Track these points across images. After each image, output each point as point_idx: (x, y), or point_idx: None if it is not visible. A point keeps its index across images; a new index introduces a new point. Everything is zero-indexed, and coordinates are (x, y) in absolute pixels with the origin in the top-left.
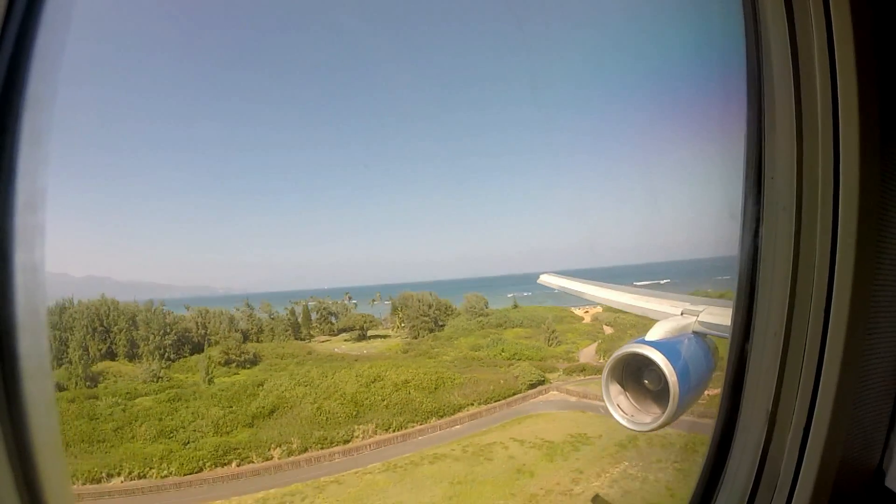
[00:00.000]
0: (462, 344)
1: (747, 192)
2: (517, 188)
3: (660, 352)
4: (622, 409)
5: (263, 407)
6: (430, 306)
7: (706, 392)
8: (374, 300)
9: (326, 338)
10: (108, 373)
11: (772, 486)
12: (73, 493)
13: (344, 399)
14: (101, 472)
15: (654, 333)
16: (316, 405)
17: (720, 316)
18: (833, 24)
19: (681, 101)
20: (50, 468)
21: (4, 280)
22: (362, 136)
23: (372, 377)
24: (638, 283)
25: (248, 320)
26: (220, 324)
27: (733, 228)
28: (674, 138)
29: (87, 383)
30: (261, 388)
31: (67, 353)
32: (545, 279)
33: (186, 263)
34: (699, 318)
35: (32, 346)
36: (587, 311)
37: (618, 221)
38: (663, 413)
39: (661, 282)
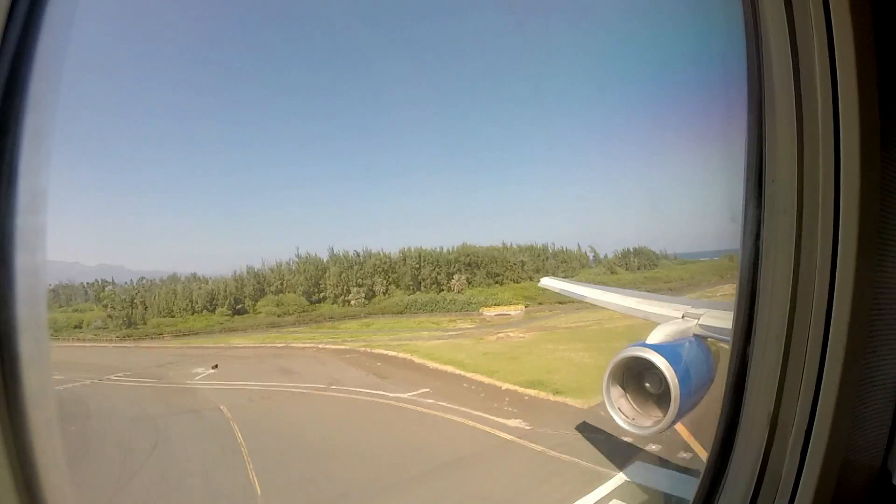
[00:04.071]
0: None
1: (748, 196)
2: (518, 186)
3: (661, 355)
4: (623, 412)
5: None
6: (644, 256)
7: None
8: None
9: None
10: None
11: (773, 488)
12: (73, 494)
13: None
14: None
15: (656, 337)
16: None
17: (721, 319)
18: (833, 27)
19: (682, 105)
20: (50, 470)
21: (5, 282)
22: (365, 136)
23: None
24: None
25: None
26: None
27: (734, 230)
28: (675, 142)
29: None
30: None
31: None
32: (546, 283)
33: (193, 255)
34: (700, 322)
35: (33, 347)
36: None
37: (618, 222)
38: (664, 416)
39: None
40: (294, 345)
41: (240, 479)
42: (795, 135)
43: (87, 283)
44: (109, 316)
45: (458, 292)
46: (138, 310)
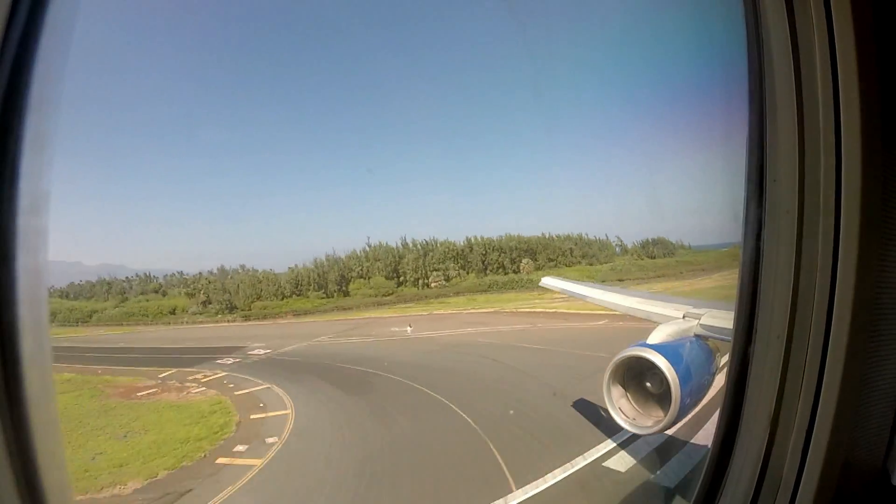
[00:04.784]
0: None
1: (749, 196)
2: (520, 188)
3: (662, 355)
4: (624, 412)
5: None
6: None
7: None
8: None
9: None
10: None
11: (774, 488)
12: (73, 495)
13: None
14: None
15: (656, 337)
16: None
17: (722, 319)
18: (835, 27)
19: (683, 106)
20: (52, 470)
21: (7, 282)
22: (365, 139)
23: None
24: None
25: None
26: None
27: (735, 228)
28: (676, 142)
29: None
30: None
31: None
32: (547, 282)
33: (192, 253)
34: (701, 322)
35: (34, 348)
36: None
37: (620, 219)
38: (665, 416)
39: None
40: (437, 312)
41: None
42: (797, 134)
43: (130, 278)
44: (203, 303)
45: (527, 273)
46: (225, 296)
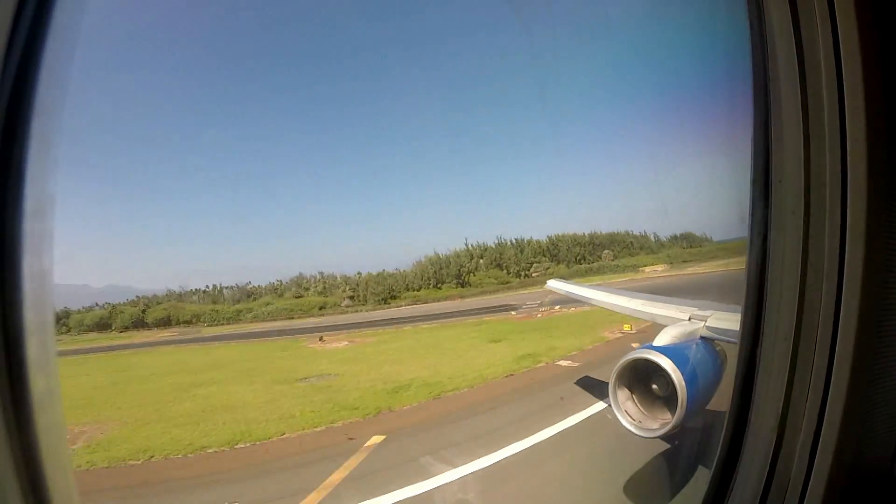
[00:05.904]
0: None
1: (755, 197)
2: (523, 191)
3: (668, 357)
4: (630, 414)
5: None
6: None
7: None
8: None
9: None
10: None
11: (783, 489)
12: (78, 499)
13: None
14: None
15: (662, 339)
16: None
17: (729, 321)
18: (838, 25)
19: (688, 106)
20: (57, 473)
21: (12, 286)
22: (368, 141)
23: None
24: None
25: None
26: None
27: (739, 227)
28: (681, 143)
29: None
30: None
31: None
32: (552, 285)
33: (203, 270)
34: (707, 324)
35: (40, 351)
36: None
37: (628, 222)
38: (671, 419)
39: None
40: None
41: None
42: (801, 135)
43: (205, 290)
44: (350, 297)
45: (609, 261)
46: (379, 288)
